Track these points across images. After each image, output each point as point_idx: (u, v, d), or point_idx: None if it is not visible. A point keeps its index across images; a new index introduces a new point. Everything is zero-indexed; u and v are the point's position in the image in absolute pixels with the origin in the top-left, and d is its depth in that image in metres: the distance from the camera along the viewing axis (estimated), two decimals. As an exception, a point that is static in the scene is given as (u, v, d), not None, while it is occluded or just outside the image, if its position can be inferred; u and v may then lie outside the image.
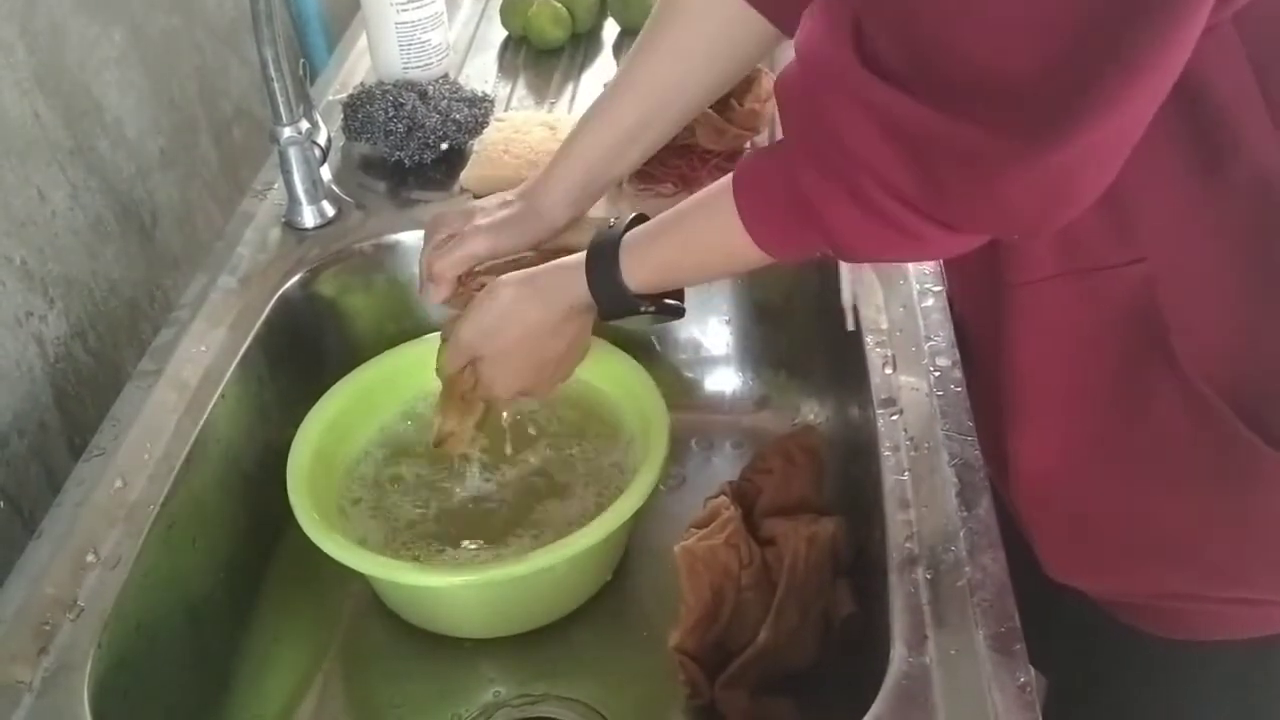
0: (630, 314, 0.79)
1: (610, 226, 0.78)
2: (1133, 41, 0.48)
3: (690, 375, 1.08)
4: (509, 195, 0.89)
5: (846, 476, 0.92)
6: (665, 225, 0.75)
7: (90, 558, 0.74)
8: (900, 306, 0.89)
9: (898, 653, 0.65)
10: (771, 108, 1.07)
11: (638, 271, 0.76)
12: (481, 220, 0.87)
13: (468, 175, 1.08)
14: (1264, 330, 0.64)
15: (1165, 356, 0.65)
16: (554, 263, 0.81)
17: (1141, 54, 0.49)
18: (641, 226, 0.77)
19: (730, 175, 0.69)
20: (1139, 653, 0.80)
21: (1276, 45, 0.60)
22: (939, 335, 0.85)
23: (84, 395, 1.00)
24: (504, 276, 0.82)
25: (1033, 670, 0.99)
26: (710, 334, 1.07)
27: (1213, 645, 0.76)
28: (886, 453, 0.78)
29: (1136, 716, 0.85)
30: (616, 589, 0.93)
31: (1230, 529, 0.69)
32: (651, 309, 0.79)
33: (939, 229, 0.58)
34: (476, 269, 0.87)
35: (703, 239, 0.72)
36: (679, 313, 0.81)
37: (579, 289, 0.78)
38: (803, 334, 1.04)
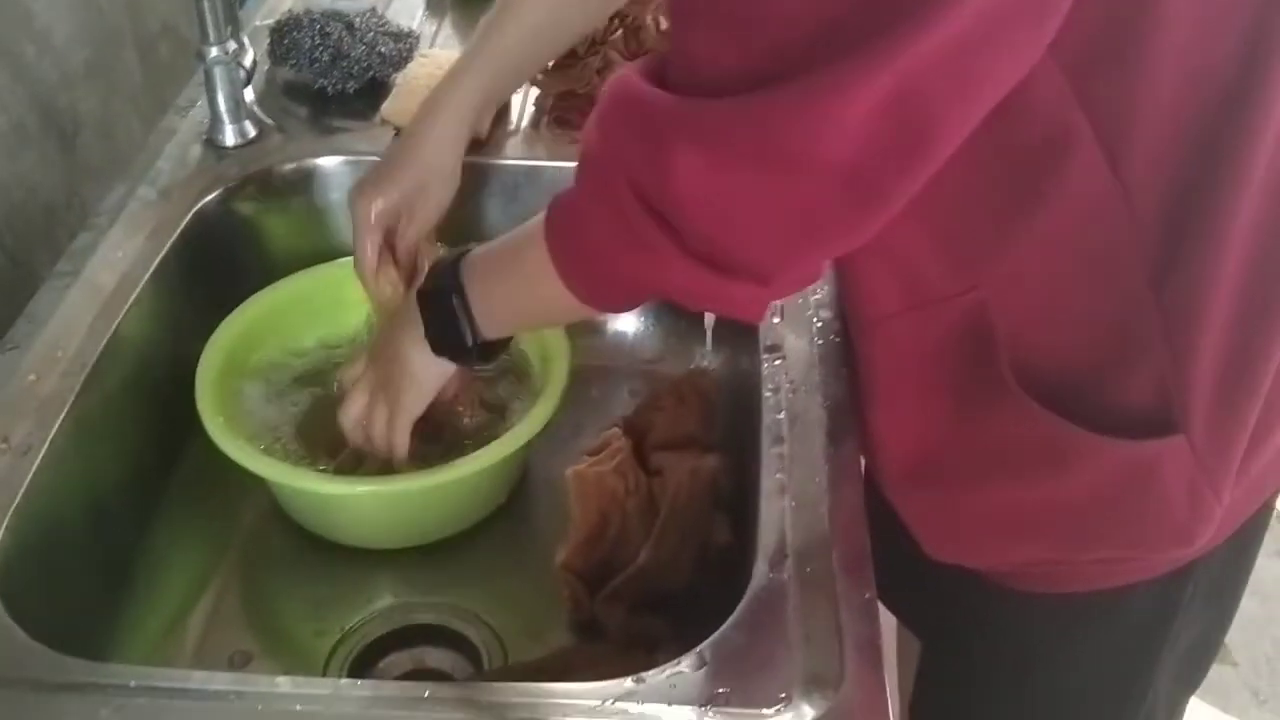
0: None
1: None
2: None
3: (595, 317, 1.13)
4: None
5: (733, 418, 0.97)
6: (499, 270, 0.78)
7: (1, 445, 0.77)
8: (792, 261, 0.95)
9: (759, 569, 0.71)
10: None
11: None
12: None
13: (388, 108, 1.10)
14: (1076, 329, 0.69)
15: (996, 370, 0.70)
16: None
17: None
18: (475, 287, 0.78)
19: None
20: (1008, 608, 0.84)
21: (1099, 72, 0.60)
22: (823, 289, 0.91)
23: (-3, 294, 1.02)
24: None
25: (905, 630, 1.06)
26: (615, 278, 1.11)
27: (1078, 596, 0.81)
28: (767, 394, 0.83)
29: (1005, 667, 0.90)
30: (513, 513, 0.97)
31: (1075, 505, 0.74)
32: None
33: (680, 252, 0.60)
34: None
35: (531, 287, 0.74)
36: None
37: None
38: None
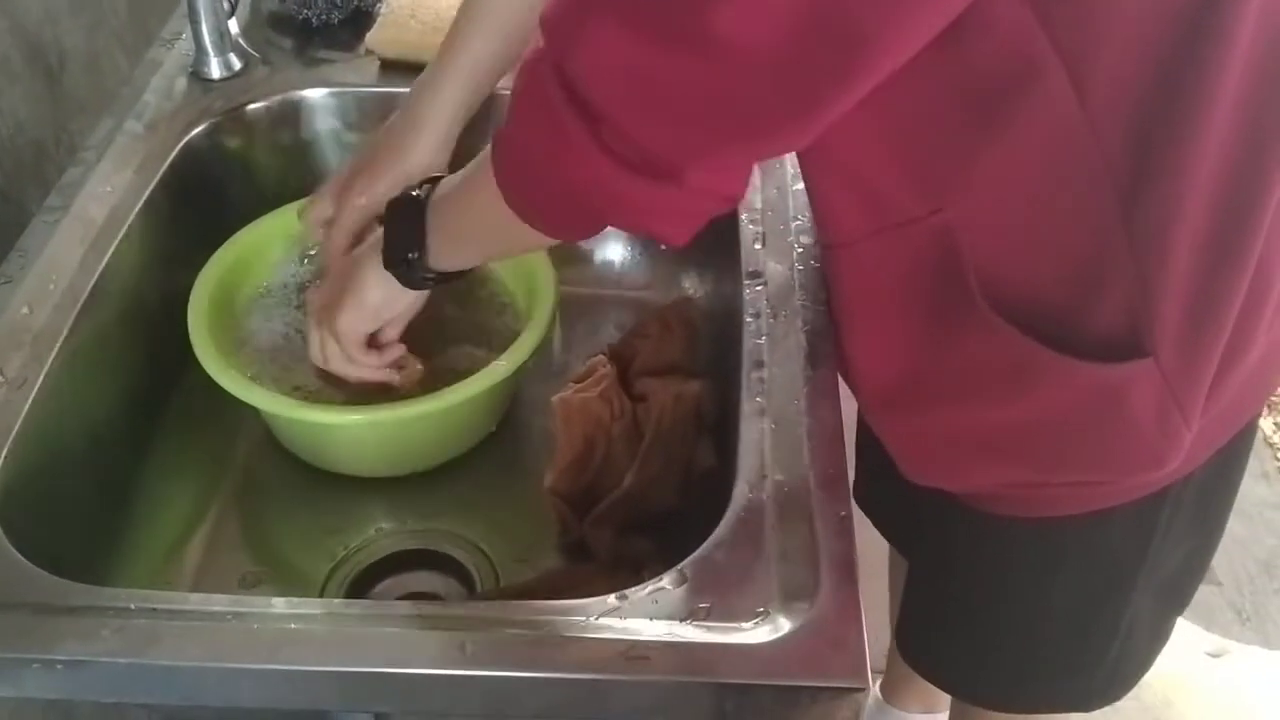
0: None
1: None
2: None
3: (582, 246, 1.14)
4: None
5: (717, 345, 0.99)
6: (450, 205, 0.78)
7: (-3, 377, 0.79)
8: (774, 188, 0.95)
9: (739, 490, 0.72)
10: None
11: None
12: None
13: (374, 37, 1.11)
14: (1045, 253, 0.69)
15: (965, 292, 0.70)
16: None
17: None
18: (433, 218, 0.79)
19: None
20: (985, 531, 0.86)
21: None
22: (805, 215, 0.92)
23: (-12, 229, 1.02)
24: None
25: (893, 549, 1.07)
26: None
27: (1053, 520, 0.83)
28: (749, 319, 0.85)
29: (984, 589, 0.92)
30: (503, 440, 0.99)
31: (1045, 427, 0.75)
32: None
33: (595, 145, 0.59)
34: None
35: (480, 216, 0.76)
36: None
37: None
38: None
